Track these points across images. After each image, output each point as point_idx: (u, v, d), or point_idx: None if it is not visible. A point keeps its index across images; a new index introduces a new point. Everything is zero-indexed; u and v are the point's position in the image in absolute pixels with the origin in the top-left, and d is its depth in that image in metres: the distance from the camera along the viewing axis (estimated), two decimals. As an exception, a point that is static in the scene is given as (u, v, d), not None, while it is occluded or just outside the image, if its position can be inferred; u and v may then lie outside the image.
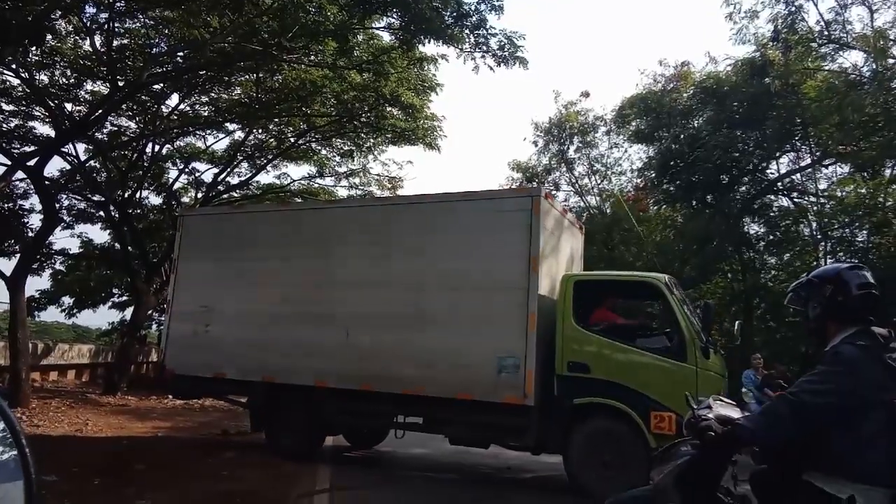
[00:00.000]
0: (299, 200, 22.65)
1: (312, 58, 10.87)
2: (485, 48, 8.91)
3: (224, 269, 8.98)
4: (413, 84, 12.40)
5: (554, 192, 27.13)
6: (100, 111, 12.45)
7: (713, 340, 7.15)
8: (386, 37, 10.93)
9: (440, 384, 7.27)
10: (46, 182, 13.22)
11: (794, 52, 16.09)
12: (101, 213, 17.52)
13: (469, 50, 9.04)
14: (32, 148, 15.27)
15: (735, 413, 2.60)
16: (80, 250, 19.07)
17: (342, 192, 20.51)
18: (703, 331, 6.67)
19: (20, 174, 12.88)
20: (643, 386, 6.59)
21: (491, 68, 8.95)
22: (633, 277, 8.44)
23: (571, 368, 6.91)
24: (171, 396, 16.28)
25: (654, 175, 20.93)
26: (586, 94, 26.55)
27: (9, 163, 13.25)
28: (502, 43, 8.87)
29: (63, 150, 15.80)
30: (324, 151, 19.18)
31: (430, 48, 18.77)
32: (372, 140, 16.05)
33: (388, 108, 13.00)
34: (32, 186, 13.50)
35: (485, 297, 7.21)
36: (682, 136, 19.04)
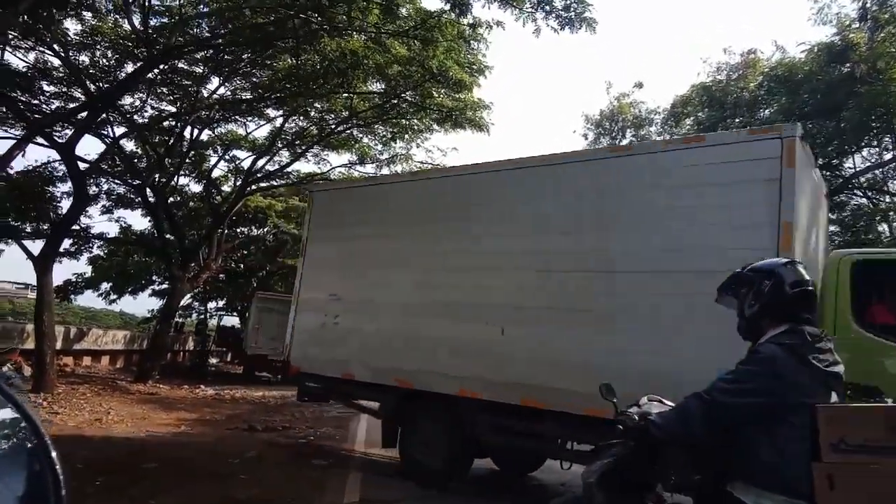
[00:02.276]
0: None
1: (356, 24, 9.99)
2: (548, 7, 7.91)
3: (356, 251, 7.57)
4: (462, 56, 11.41)
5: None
6: (128, 81, 11.83)
7: None
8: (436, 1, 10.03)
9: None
10: (79, 162, 12.79)
11: (883, 33, 14.53)
12: (140, 198, 17.17)
13: (531, 9, 8.04)
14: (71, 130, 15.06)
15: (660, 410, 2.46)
16: (119, 235, 18.81)
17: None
18: None
19: (55, 155, 12.47)
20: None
21: (555, 30, 7.96)
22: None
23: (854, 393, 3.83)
24: (202, 386, 15.92)
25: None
26: (640, 85, 25.51)
27: (47, 144, 12.98)
28: (568, 2, 7.85)
29: (102, 133, 15.57)
30: (365, 139, 18.44)
31: (484, 12, 17.74)
32: (416, 122, 15.13)
33: (434, 86, 12.06)
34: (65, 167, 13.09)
35: (707, 285, 5.22)
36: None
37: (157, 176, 15.39)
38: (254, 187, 19.59)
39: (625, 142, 25.44)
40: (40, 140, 12.00)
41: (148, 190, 15.93)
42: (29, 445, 1.12)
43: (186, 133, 17.13)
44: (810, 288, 2.32)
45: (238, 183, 20.59)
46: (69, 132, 14.30)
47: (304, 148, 18.20)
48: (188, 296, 26.86)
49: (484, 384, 6.09)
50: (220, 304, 27.20)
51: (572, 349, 5.57)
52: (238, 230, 24.59)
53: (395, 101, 14.00)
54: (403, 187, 7.79)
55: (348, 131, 18.13)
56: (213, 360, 25.82)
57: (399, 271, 7.05)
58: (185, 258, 16.41)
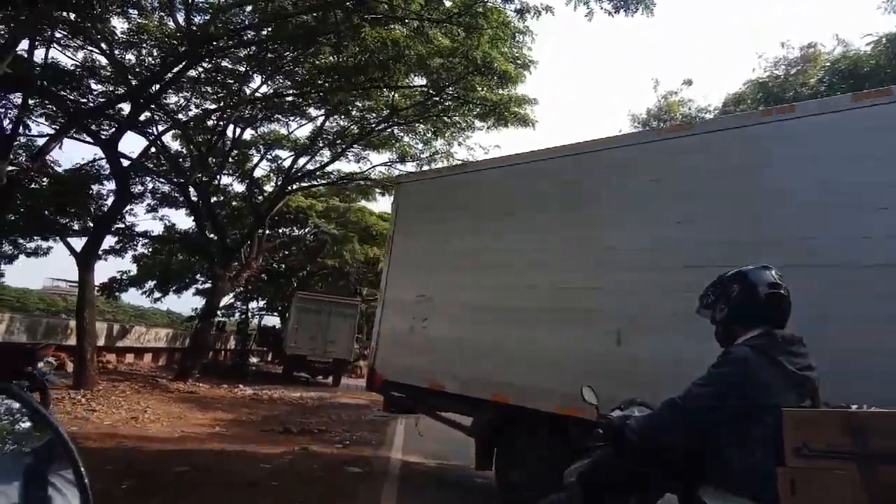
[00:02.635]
0: (379, 190, 21.93)
1: (398, 13, 9.61)
2: (601, -12, 7.40)
3: (448, 246, 6.75)
4: (507, 47, 10.93)
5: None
6: (168, 75, 11.78)
7: None
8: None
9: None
10: (122, 159, 12.84)
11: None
12: (183, 197, 17.29)
13: (584, -9, 7.54)
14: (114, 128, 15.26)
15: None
16: (163, 234, 19.01)
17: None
18: None
19: (99, 152, 12.50)
20: None
21: (609, 13, 7.45)
22: None
23: None
24: (241, 385, 15.84)
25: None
26: (689, 83, 24.38)
27: (91, 140, 13.08)
28: (624, -18, 7.34)
29: (147, 131, 15.71)
30: (406, 139, 18.15)
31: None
32: (458, 119, 14.72)
33: (478, 79, 11.60)
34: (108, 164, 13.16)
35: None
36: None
37: (199, 174, 15.41)
38: (294, 186, 19.55)
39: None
40: (85, 137, 12.07)
41: (191, 189, 15.99)
42: (54, 456, 1.07)
43: (229, 132, 17.17)
44: (783, 292, 2.33)
45: (279, 182, 20.66)
46: (114, 130, 14.52)
47: (343, 147, 18.01)
48: (230, 295, 27.25)
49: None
50: (261, 304, 27.38)
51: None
52: (279, 231, 24.71)
53: (438, 98, 13.59)
54: (503, 173, 6.66)
55: (389, 130, 17.89)
56: (254, 360, 25.98)
57: (496, 269, 6.17)
58: (226, 257, 16.42)
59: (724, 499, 2.04)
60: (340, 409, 13.32)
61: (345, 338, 19.46)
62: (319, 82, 14.35)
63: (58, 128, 13.81)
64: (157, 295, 23.17)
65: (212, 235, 17.38)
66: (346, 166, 43.17)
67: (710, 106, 23.14)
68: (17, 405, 1.11)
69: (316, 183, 20.22)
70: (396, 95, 15.82)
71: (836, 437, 1.91)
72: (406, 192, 7.71)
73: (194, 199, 16.59)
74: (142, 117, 15.30)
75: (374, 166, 19.00)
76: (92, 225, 15.65)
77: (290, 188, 18.41)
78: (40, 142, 13.42)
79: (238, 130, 17.41)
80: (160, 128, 15.89)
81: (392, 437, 9.59)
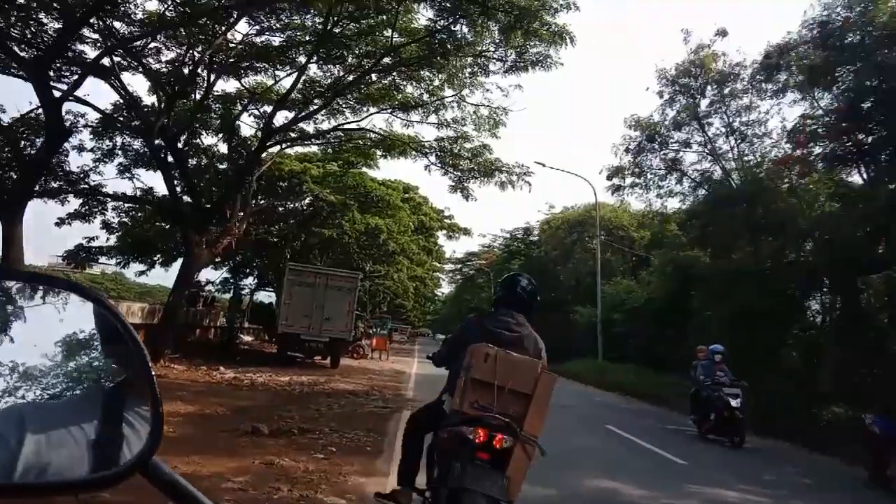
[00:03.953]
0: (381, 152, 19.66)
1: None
2: None
3: None
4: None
5: (682, 156, 22.80)
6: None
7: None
8: None
9: None
10: (53, 91, 10.65)
11: None
12: (148, 148, 14.97)
13: None
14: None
15: None
16: (135, 194, 16.80)
17: (430, 133, 17.01)
18: None
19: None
20: None
21: None
22: None
23: None
24: (221, 368, 13.86)
25: (830, 124, 16.23)
26: (723, 33, 21.55)
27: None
28: None
29: (111, 78, 13.53)
30: (409, 88, 15.87)
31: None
32: (473, 37, 12.33)
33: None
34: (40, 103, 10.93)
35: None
36: (883, 68, 14.18)
37: (165, 120, 13.20)
38: (279, 141, 17.33)
39: (705, 102, 22.22)
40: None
41: (162, 143, 13.81)
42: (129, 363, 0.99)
43: (207, 76, 14.93)
44: (517, 288, 4.15)
45: (268, 144, 18.45)
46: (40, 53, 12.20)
47: (330, 95, 15.59)
48: (224, 270, 25.25)
49: None
50: (253, 278, 25.27)
51: None
52: (272, 200, 22.59)
53: (446, 25, 11.29)
54: None
55: (389, 78, 15.64)
56: (248, 339, 24.04)
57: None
58: (202, 220, 14.29)
59: (447, 398, 3.86)
60: (334, 397, 11.32)
61: (343, 314, 17.34)
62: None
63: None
64: (140, 268, 21.20)
65: (187, 199, 15.24)
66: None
67: (747, 60, 20.79)
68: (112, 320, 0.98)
69: (299, 136, 17.89)
70: (397, 35, 13.58)
71: (478, 361, 3.51)
72: None
73: (165, 156, 14.39)
74: (105, 61, 13.18)
75: (370, 114, 16.49)
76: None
77: (272, 141, 16.14)
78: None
79: (217, 79, 15.16)
80: (130, 78, 13.74)
81: (393, 440, 7.55)
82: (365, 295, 33.13)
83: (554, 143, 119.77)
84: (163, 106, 13.33)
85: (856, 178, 16.90)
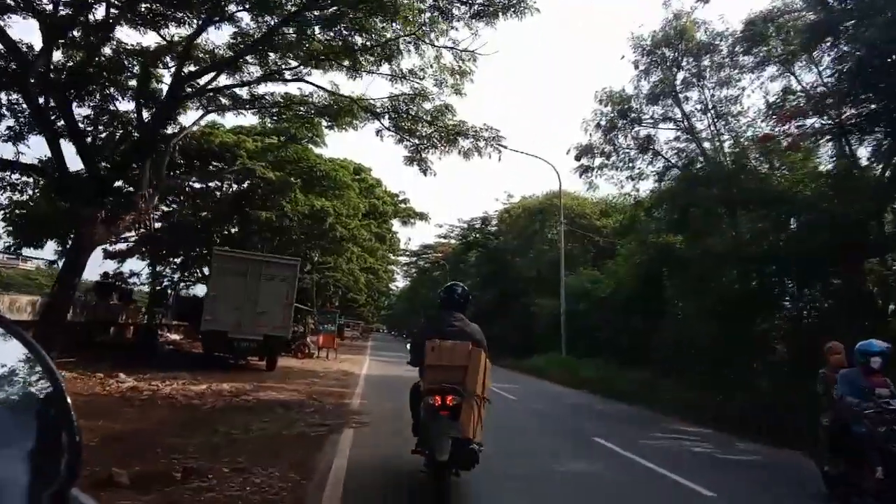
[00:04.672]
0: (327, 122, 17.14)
1: None
2: None
3: None
4: None
5: (656, 134, 21.10)
6: None
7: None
8: None
9: None
10: None
11: None
12: (27, 102, 12.08)
13: None
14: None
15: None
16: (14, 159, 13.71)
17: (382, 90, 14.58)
18: None
19: None
20: None
21: None
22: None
23: None
24: (122, 375, 11.25)
25: (819, 96, 14.74)
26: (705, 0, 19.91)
27: None
28: None
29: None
30: (360, 39, 13.42)
31: None
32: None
33: None
34: None
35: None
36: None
37: (43, 64, 10.43)
38: (204, 102, 14.66)
39: (681, 76, 20.58)
40: None
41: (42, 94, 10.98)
42: (42, 392, 0.96)
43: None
44: (455, 295, 5.80)
45: (190, 104, 15.71)
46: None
47: (264, 50, 13.07)
48: (147, 262, 22.21)
49: None
50: (175, 269, 22.18)
51: None
52: (192, 177, 19.72)
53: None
54: None
55: (335, 29, 13.17)
56: (175, 337, 21.15)
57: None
58: (97, 193, 11.52)
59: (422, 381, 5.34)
60: (257, 412, 8.91)
61: (279, 308, 14.81)
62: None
63: None
64: (42, 253, 18.09)
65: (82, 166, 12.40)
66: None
67: (729, 30, 19.20)
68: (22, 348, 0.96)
69: (233, 102, 15.27)
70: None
71: (432, 351, 5.17)
72: None
73: (54, 119, 11.55)
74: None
75: (309, 71, 13.88)
76: None
77: (199, 104, 13.52)
78: None
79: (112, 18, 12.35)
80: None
81: (324, 483, 5.25)
82: (313, 288, 30.57)
83: (516, 129, 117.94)
84: (45, 38, 10.51)
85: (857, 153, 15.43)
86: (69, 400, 0.92)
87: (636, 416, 13.35)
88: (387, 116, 13.54)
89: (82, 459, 0.87)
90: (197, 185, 19.88)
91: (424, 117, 13.05)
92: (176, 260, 20.63)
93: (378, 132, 13.75)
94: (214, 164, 17.81)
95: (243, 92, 16.38)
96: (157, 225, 20.27)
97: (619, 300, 23.63)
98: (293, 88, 16.19)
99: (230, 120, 17.94)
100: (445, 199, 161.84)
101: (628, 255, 24.53)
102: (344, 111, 15.00)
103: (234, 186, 19.47)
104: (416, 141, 13.47)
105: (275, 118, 17.42)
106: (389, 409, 9.45)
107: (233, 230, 20.40)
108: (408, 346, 6.10)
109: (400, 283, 75.15)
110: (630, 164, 21.60)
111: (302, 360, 21.07)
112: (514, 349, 28.92)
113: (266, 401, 9.89)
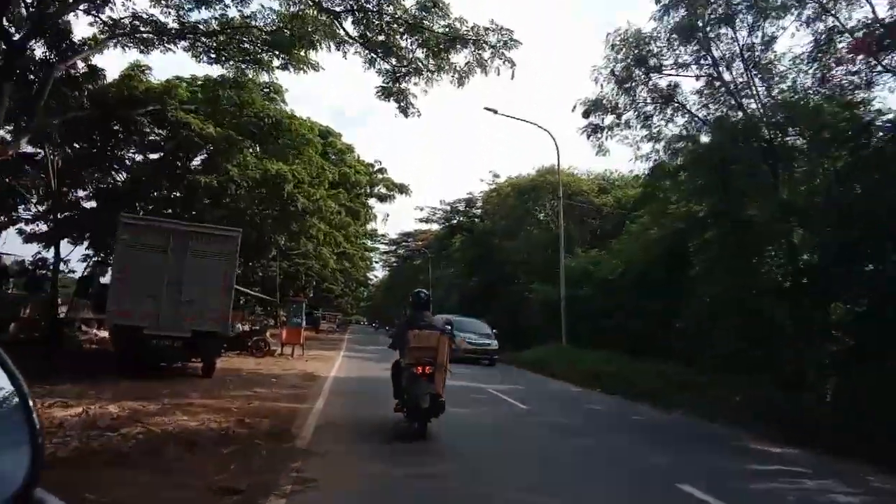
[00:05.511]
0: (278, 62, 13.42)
1: None
2: None
3: None
4: None
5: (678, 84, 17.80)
6: None
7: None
8: None
9: None
10: None
11: None
12: None
13: None
14: None
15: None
16: None
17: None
18: None
19: None
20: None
21: None
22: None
23: None
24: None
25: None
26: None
27: None
28: None
29: None
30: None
31: None
32: None
33: None
34: None
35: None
36: None
37: None
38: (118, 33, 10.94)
39: (708, 10, 17.23)
40: None
41: None
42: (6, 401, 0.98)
43: None
44: (421, 297, 8.33)
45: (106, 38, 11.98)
46: None
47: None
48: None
49: None
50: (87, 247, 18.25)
51: None
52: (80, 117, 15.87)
53: None
54: None
55: None
56: (101, 333, 17.34)
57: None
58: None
59: (402, 359, 7.76)
60: (128, 465, 5.34)
61: (214, 295, 11.14)
62: None
63: None
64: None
65: None
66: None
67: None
68: None
69: (154, 32, 11.54)
70: None
71: (415, 344, 7.52)
72: None
73: None
74: None
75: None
76: None
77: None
78: None
79: None
80: None
81: None
82: (280, 276, 26.93)
83: (511, 97, 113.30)
84: None
85: None
86: (31, 401, 0.95)
87: (693, 433, 10.01)
88: (350, 19, 9.87)
89: (43, 457, 0.88)
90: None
91: (404, 17, 9.40)
92: (80, 237, 16.64)
93: (339, 44, 10.07)
94: (139, 116, 14.03)
95: (169, 20, 12.72)
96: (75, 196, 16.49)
97: (629, 282, 20.48)
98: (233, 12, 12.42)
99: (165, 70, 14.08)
100: (427, 181, 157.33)
101: (641, 230, 21.37)
102: (298, 36, 11.35)
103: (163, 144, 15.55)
104: (394, 61, 9.88)
105: (213, 56, 13.66)
106: (359, 447, 6.05)
107: (156, 195, 16.48)
108: (389, 336, 10.17)
109: (379, 272, 71.76)
110: (647, 123, 18.33)
111: (261, 359, 17.53)
112: (508, 341, 25.65)
113: (160, 436, 6.25)
